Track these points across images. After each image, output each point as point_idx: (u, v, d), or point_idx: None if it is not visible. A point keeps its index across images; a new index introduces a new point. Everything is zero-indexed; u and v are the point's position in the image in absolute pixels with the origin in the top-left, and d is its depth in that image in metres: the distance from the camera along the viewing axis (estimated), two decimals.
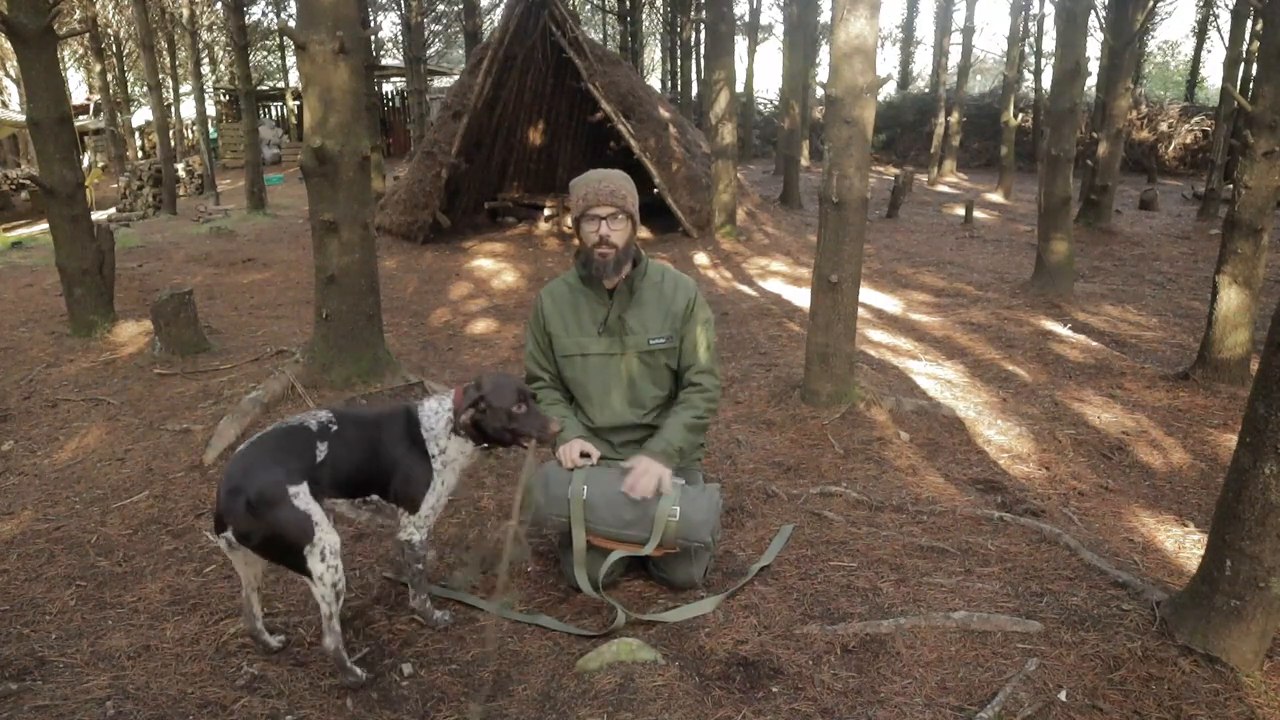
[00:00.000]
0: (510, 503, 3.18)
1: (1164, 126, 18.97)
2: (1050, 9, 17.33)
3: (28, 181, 14.23)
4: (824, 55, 22.24)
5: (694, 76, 24.53)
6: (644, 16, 28.68)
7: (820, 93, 19.32)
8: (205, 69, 25.91)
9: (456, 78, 11.26)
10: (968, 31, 16.77)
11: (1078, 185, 10.30)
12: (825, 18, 23.11)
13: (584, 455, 2.47)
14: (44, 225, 9.31)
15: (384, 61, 26.76)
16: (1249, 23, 11.21)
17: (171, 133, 18.81)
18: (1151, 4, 9.64)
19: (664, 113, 9.64)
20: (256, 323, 5.89)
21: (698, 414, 2.52)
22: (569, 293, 2.57)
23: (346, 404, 3.58)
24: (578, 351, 2.55)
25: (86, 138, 20.71)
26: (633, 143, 9.04)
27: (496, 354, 5.35)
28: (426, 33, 23.85)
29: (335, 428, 2.18)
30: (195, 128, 21.74)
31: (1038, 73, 19.91)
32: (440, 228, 9.60)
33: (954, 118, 16.97)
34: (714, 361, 2.59)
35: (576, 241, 2.58)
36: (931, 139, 17.58)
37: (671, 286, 2.55)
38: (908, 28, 29.10)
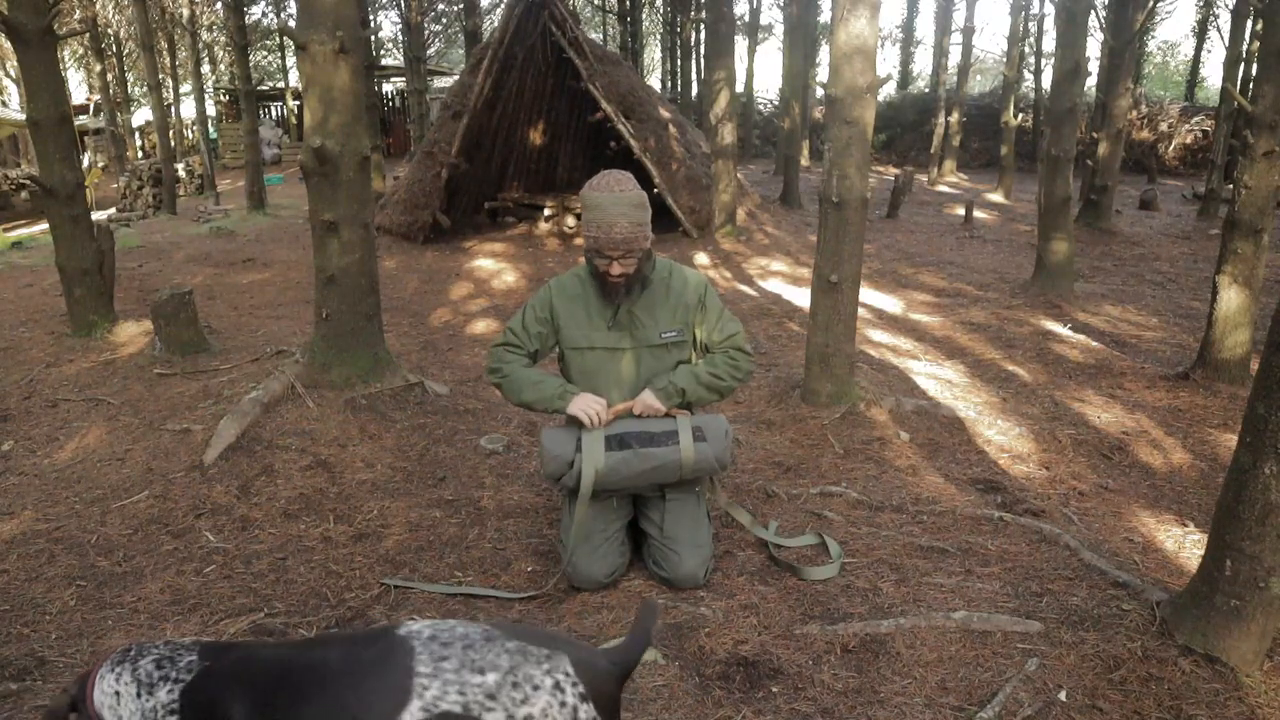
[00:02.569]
0: (508, 503, 3.19)
1: (1164, 126, 18.96)
2: (1050, 9, 17.33)
3: (28, 181, 14.23)
4: (824, 55, 22.21)
5: (694, 76, 24.50)
6: (644, 16, 28.66)
7: (820, 93, 19.31)
8: (205, 69, 25.89)
9: (456, 78, 11.25)
10: (968, 31, 16.76)
11: (1078, 185, 10.28)
12: (825, 18, 23.11)
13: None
14: (44, 225, 9.30)
15: (384, 61, 26.75)
16: (1249, 23, 11.21)
17: (171, 133, 18.80)
18: (1151, 4, 9.64)
19: (664, 113, 9.63)
20: (256, 323, 5.89)
21: (715, 372, 2.55)
22: (580, 286, 2.58)
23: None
24: (586, 344, 2.56)
25: (86, 138, 20.69)
26: (633, 143, 9.04)
27: None
28: (426, 33, 23.83)
29: None
30: (195, 128, 21.72)
31: (1038, 73, 19.90)
32: (440, 228, 9.60)
33: (954, 118, 16.95)
34: (745, 342, 2.63)
35: (580, 240, 2.60)
36: (931, 139, 17.57)
37: (681, 281, 2.58)
38: (908, 28, 29.07)
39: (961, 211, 11.27)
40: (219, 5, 20.93)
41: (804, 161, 17.72)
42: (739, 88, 17.93)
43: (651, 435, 2.43)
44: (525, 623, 2.38)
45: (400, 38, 28.70)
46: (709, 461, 2.46)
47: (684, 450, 2.41)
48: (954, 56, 18.95)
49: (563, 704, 1.34)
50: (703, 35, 16.90)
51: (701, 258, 8.38)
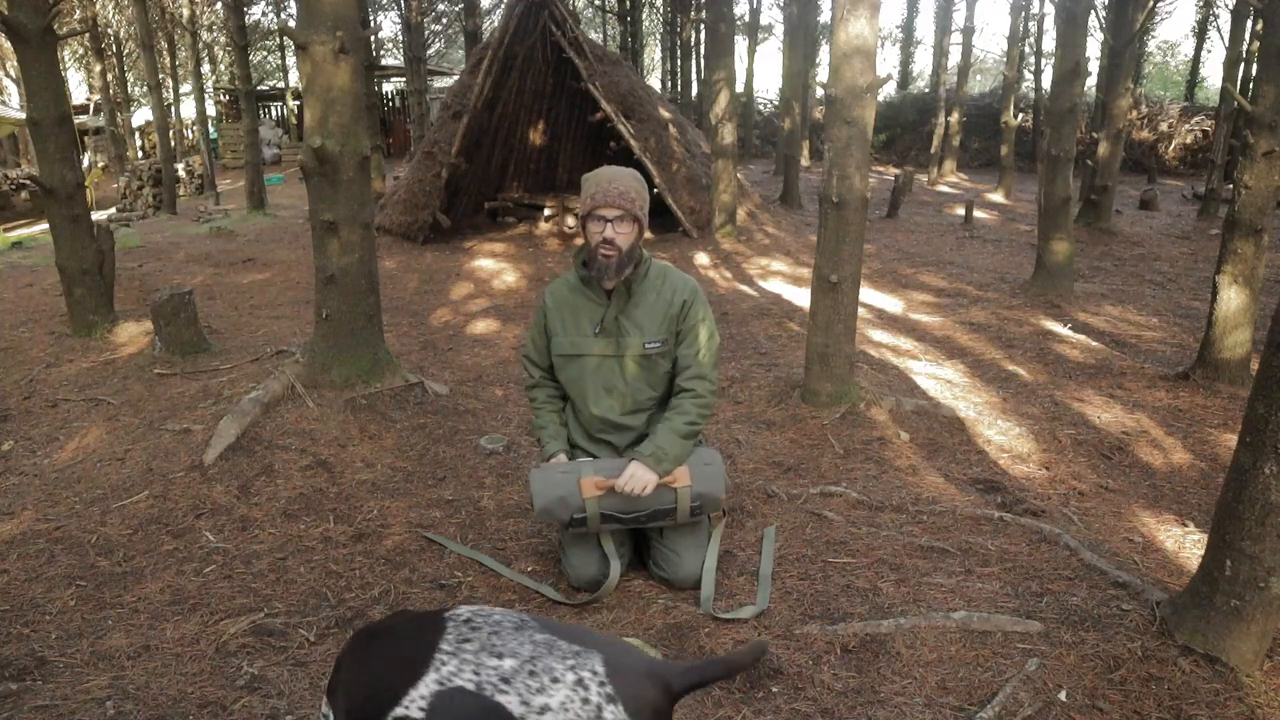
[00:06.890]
0: (508, 503, 3.19)
1: (1164, 126, 18.96)
2: (1050, 9, 17.33)
3: (28, 181, 14.23)
4: (824, 55, 22.23)
5: (694, 76, 24.50)
6: (644, 16, 28.66)
7: (820, 93, 19.31)
8: (205, 69, 25.90)
9: (456, 78, 11.26)
10: (968, 31, 16.75)
11: (1078, 185, 10.29)
12: (825, 18, 23.11)
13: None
14: (44, 225, 9.31)
15: (384, 61, 26.75)
16: (1249, 23, 11.20)
17: (171, 133, 18.79)
18: (1151, 4, 9.64)
19: (664, 113, 9.63)
20: (256, 323, 5.89)
21: (689, 420, 2.48)
22: (569, 292, 2.56)
23: None
24: (574, 351, 2.54)
25: (86, 138, 20.69)
26: (633, 143, 9.04)
27: (497, 354, 5.35)
28: (426, 33, 23.84)
29: None
30: (195, 128, 21.72)
31: (1038, 73, 19.90)
32: (440, 228, 9.60)
33: (954, 118, 16.95)
34: (713, 365, 2.55)
35: (579, 240, 2.58)
36: (931, 139, 17.57)
37: (670, 289, 2.51)
38: (908, 28, 29.07)
39: (961, 211, 11.27)
40: (219, 5, 20.95)
41: (804, 161, 17.72)
42: (739, 88, 17.94)
43: (652, 514, 2.48)
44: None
45: (400, 38, 28.72)
46: (702, 516, 2.57)
47: (680, 517, 2.50)
48: (954, 56, 18.95)
49: (585, 700, 1.35)
50: (703, 35, 16.91)
51: (702, 258, 8.38)
